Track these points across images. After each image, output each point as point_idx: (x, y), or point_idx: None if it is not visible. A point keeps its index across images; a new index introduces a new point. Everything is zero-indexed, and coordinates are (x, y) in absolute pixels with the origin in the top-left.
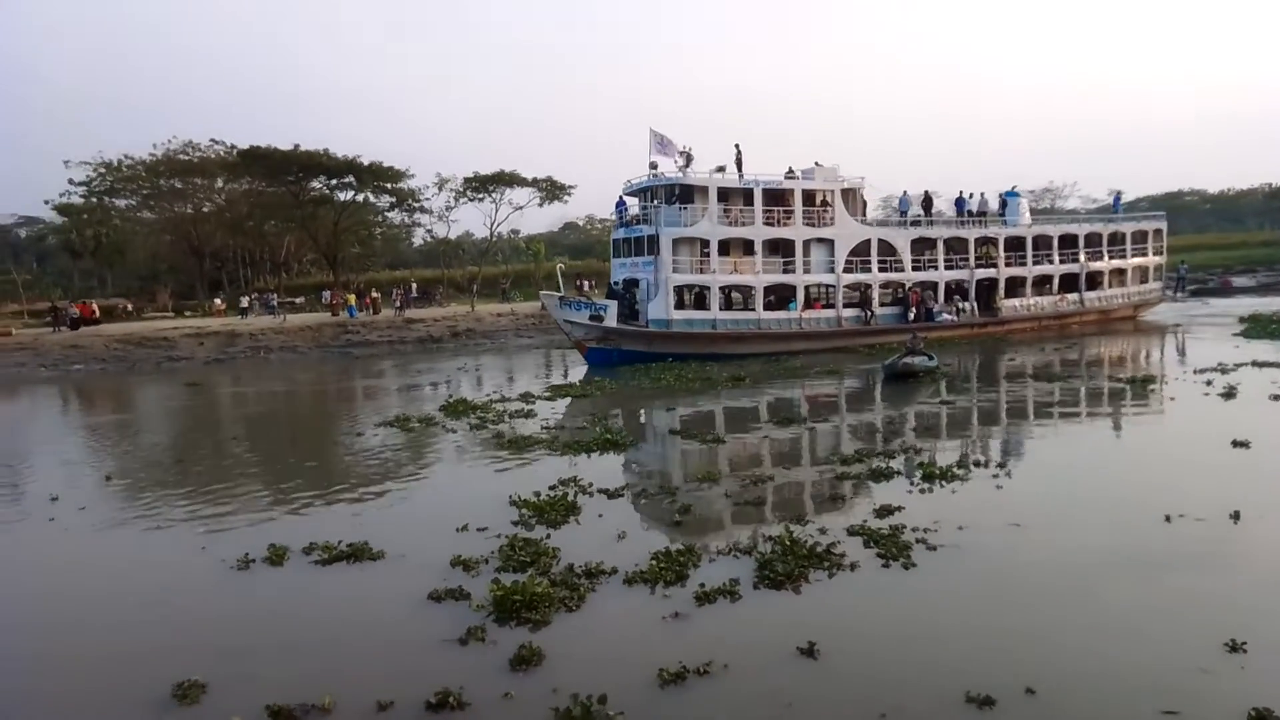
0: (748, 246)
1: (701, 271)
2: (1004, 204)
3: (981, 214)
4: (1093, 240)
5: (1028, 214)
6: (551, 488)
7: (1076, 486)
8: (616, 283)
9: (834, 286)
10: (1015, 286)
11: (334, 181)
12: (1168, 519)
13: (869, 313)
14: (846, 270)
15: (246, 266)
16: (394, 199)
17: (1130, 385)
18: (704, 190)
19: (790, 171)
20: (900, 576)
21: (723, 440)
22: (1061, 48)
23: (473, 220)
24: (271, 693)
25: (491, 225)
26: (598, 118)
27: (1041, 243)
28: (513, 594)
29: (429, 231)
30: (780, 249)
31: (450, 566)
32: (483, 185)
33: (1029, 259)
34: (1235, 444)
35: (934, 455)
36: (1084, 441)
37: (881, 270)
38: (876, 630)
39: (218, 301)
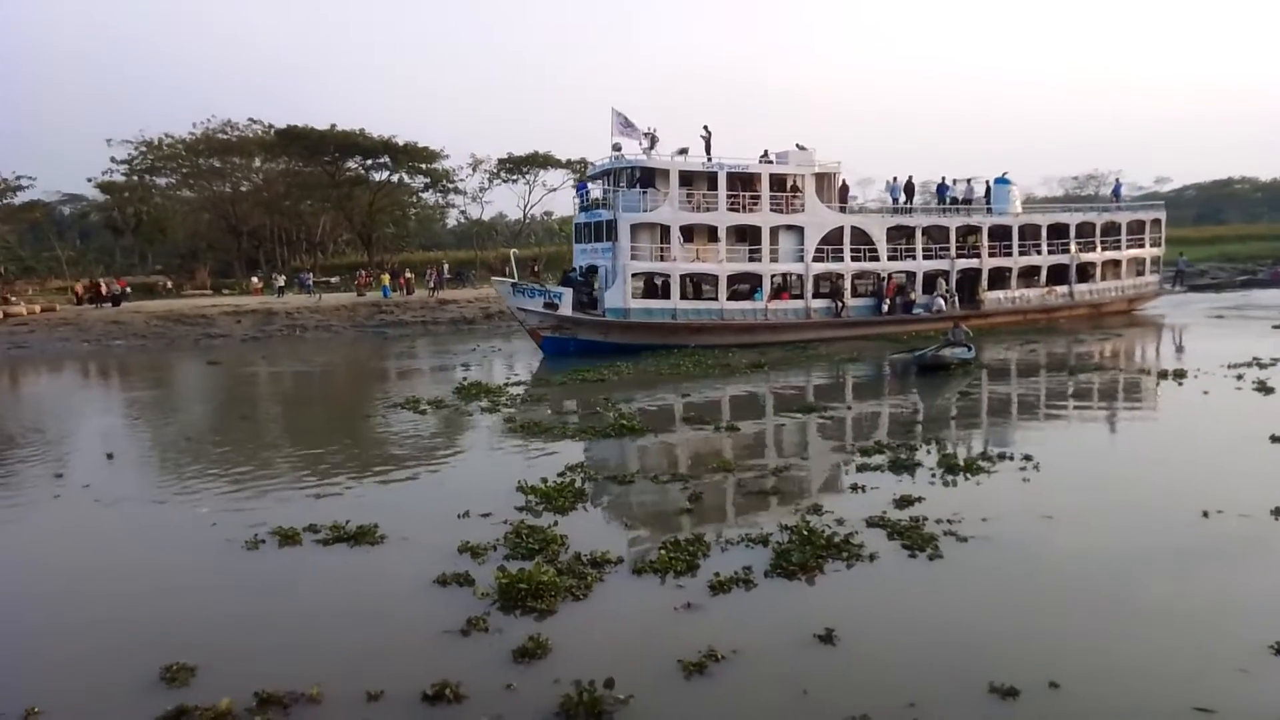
0: (712, 233)
1: (662, 259)
2: (989, 191)
3: (966, 202)
4: (1085, 231)
5: (1018, 203)
6: (560, 474)
7: (1108, 481)
8: (573, 269)
9: (803, 276)
10: (1000, 278)
11: (369, 162)
12: (1205, 515)
13: (840, 304)
14: (817, 259)
15: (283, 246)
16: (428, 180)
17: (1161, 378)
18: (665, 173)
19: (765, 155)
20: (920, 568)
21: (736, 428)
22: (1106, 36)
23: (506, 202)
24: (263, 678)
25: (525, 207)
26: (638, 101)
27: (1029, 233)
28: (518, 582)
29: (463, 213)
30: (748, 236)
31: (458, 553)
32: (516, 167)
33: (1015, 249)
34: (1274, 439)
35: (957, 447)
36: (1113, 435)
37: (855, 260)
38: (896, 620)
39: (255, 280)
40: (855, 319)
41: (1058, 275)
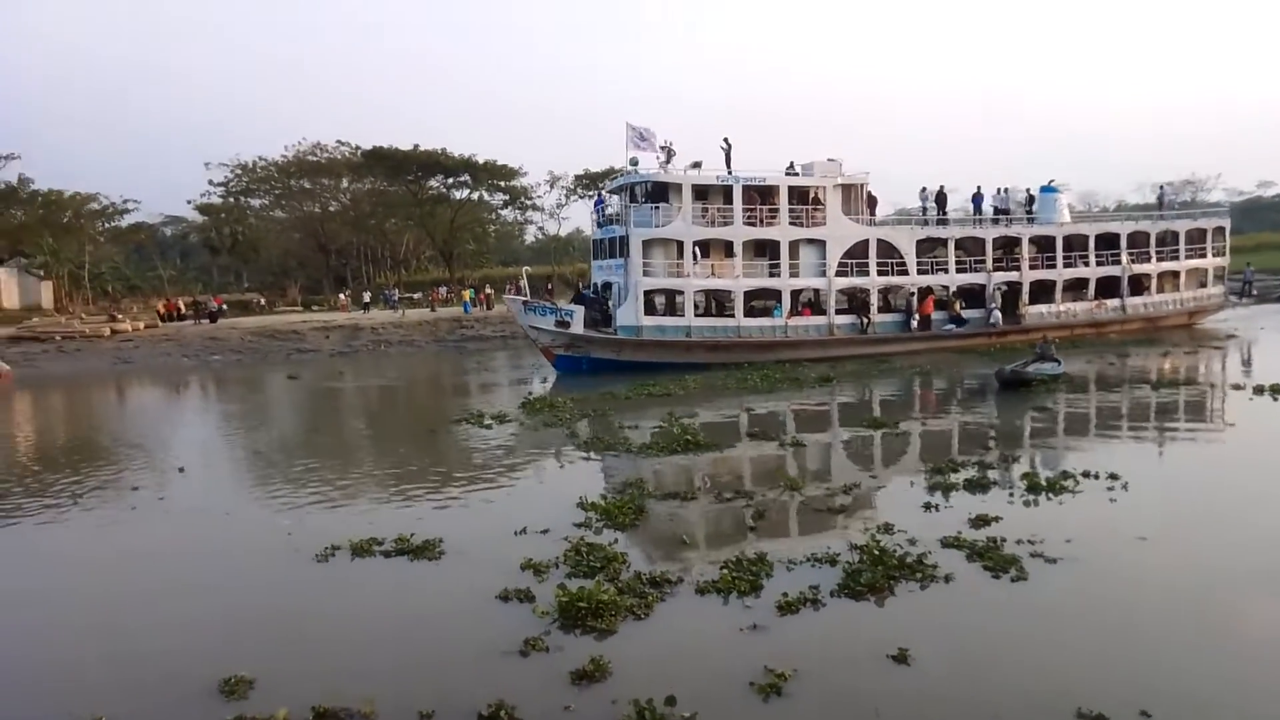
0: (729, 248)
1: (678, 275)
2: (1031, 200)
3: (1004, 212)
4: (1138, 240)
5: (1066, 212)
6: (620, 490)
7: (1204, 502)
8: (587, 287)
9: (825, 291)
10: (1044, 291)
11: (450, 180)
12: None
13: (865, 319)
14: (841, 273)
15: (369, 263)
16: (507, 197)
17: (1256, 394)
18: (679, 188)
19: (790, 167)
20: (998, 589)
21: (802, 443)
22: (1203, 34)
23: (583, 217)
24: (320, 692)
25: None
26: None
27: (1076, 243)
28: (578, 600)
29: (540, 229)
30: (768, 251)
31: (519, 570)
32: (593, 182)
33: (1059, 260)
34: None
35: (1036, 465)
36: (1207, 454)
37: (882, 274)
38: (973, 642)
39: (342, 296)
40: (882, 335)
41: (1109, 288)
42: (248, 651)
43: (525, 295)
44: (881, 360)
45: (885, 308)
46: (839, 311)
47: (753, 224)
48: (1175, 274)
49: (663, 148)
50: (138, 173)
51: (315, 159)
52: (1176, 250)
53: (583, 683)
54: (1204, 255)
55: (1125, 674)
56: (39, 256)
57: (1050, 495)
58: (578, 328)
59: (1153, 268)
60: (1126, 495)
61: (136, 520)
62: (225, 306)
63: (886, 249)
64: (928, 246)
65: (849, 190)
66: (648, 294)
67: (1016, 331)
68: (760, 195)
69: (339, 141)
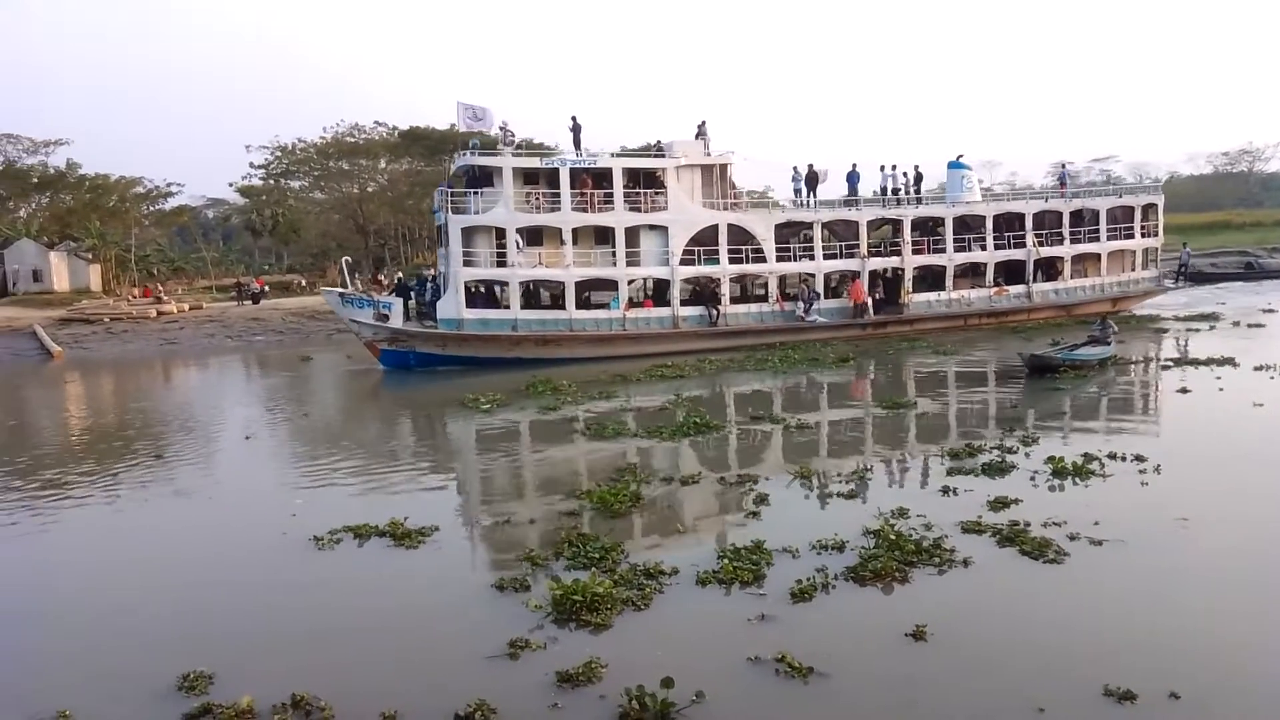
0: (563, 236)
1: (502, 264)
2: (919, 179)
3: (894, 192)
4: (1048, 220)
5: (977, 190)
6: (617, 476)
7: (1242, 482)
8: (406, 277)
9: (669, 281)
10: (934, 277)
11: None
12: None
13: (716, 311)
14: (686, 262)
15: (407, 243)
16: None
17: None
18: (500, 171)
19: (657, 146)
20: (1017, 571)
21: (809, 425)
22: None
23: None
24: (283, 691)
25: None
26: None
27: (972, 225)
28: (573, 593)
29: None
30: (610, 238)
31: (514, 561)
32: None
33: (948, 244)
34: None
35: (1059, 447)
36: (1238, 433)
37: (735, 261)
38: (994, 623)
39: (381, 278)
40: (736, 328)
41: (1015, 273)
42: (219, 645)
43: (346, 286)
44: (909, 340)
45: (744, 297)
46: (685, 302)
47: (583, 209)
48: (1096, 257)
49: (501, 128)
50: (180, 156)
51: (353, 140)
52: (1097, 231)
53: (571, 682)
54: (1132, 236)
55: (1160, 656)
56: (87, 240)
57: (1077, 479)
58: (396, 321)
59: (1065, 250)
60: (1159, 477)
61: (119, 508)
62: (267, 288)
63: (740, 235)
64: (791, 231)
65: (708, 172)
66: (478, 285)
67: (896, 322)
68: (595, 179)
69: (376, 122)
